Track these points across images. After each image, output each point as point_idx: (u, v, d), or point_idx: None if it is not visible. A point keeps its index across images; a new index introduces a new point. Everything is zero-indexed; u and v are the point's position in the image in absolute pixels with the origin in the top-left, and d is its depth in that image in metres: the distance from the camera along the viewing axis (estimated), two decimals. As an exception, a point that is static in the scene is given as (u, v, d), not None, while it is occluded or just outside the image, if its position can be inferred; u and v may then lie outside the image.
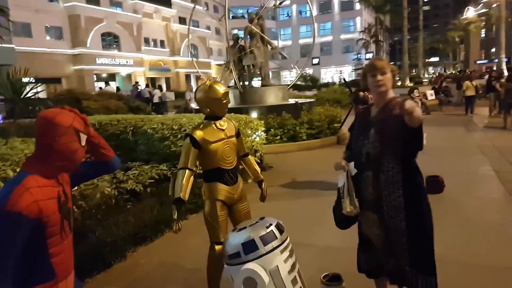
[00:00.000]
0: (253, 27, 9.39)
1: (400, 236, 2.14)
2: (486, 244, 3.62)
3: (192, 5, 43.02)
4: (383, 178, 2.11)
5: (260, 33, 9.50)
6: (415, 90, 14.48)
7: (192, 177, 2.49)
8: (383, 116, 2.12)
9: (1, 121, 15.92)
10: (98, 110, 8.68)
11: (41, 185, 1.40)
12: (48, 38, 27.87)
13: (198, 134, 2.53)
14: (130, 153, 6.36)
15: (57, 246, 1.46)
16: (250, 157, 2.90)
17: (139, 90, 17.68)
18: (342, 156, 2.42)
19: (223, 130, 2.63)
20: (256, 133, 6.23)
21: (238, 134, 2.77)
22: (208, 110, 2.65)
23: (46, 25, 27.54)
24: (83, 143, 1.51)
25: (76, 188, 4.11)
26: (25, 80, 25.76)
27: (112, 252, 3.53)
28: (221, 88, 2.59)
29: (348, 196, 2.22)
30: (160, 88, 17.81)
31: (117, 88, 22.94)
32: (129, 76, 34.48)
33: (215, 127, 2.59)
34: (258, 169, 2.88)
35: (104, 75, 32.60)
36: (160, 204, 4.66)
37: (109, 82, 22.79)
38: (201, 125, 2.61)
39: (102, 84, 31.07)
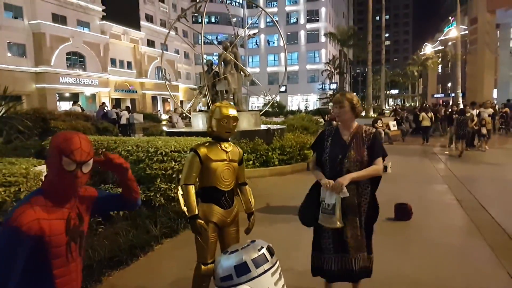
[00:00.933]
0: (227, 54, 9.64)
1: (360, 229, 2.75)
2: (452, 267, 3.84)
3: (162, 29, 43.51)
4: (360, 189, 2.69)
5: (234, 60, 9.75)
6: (379, 121, 15.39)
7: None
8: (357, 143, 2.69)
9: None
10: (66, 130, 8.42)
11: (49, 205, 1.41)
12: (9, 54, 26.84)
13: (202, 150, 2.62)
14: (101, 175, 6.20)
15: (62, 268, 1.45)
16: (247, 187, 2.94)
17: (105, 111, 17.30)
18: (316, 173, 2.78)
19: (226, 152, 2.70)
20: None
21: (241, 162, 2.83)
22: (211, 130, 2.73)
23: (9, 41, 26.57)
24: (71, 168, 1.43)
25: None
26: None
27: (88, 276, 3.40)
28: (227, 110, 2.67)
29: (339, 213, 2.55)
30: (128, 109, 17.54)
31: (81, 108, 22.28)
32: (93, 96, 33.69)
33: (219, 148, 2.68)
34: (253, 201, 2.92)
35: (67, 94, 31.63)
36: (135, 228, 4.57)
37: (77, 102, 22.10)
38: (207, 144, 2.71)
39: (65, 104, 30.12)
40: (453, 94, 48.61)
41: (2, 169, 3.02)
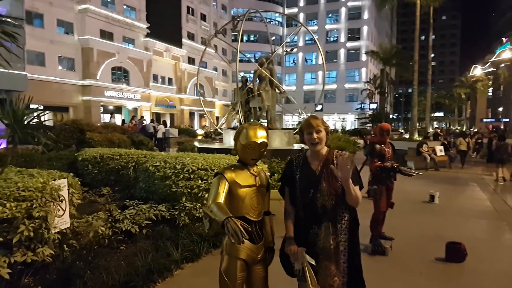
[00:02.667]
0: (262, 70, 9.45)
1: (342, 273, 2.31)
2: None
3: (203, 47, 44.58)
4: (339, 227, 2.30)
5: (270, 76, 9.54)
6: (424, 145, 14.50)
7: None
8: (329, 172, 2.30)
9: (5, 146, 15.74)
10: (102, 143, 8.51)
11: None
12: (60, 68, 28.44)
13: (229, 175, 2.31)
14: (129, 190, 6.10)
15: None
16: (271, 217, 2.58)
17: (144, 124, 17.66)
18: (286, 223, 2.43)
19: (255, 176, 2.41)
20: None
21: (268, 187, 2.51)
22: (236, 153, 2.46)
23: (60, 55, 28.20)
24: None
25: (69, 224, 3.83)
26: (33, 106, 25.91)
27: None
28: (255, 135, 2.36)
29: (309, 279, 2.19)
30: (164, 123, 17.81)
31: (123, 121, 23.00)
32: (135, 110, 34.82)
33: (247, 172, 2.39)
34: (274, 233, 2.58)
35: (111, 107, 32.92)
36: (156, 249, 4.33)
37: (115, 115, 22.86)
38: (233, 167, 2.40)
39: (108, 116, 31.33)
40: (505, 119, 45.67)
41: (18, 182, 2.90)
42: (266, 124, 10.84)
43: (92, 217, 4.38)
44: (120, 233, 4.53)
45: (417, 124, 22.69)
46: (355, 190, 2.25)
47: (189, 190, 5.11)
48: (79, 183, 4.26)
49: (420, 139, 17.99)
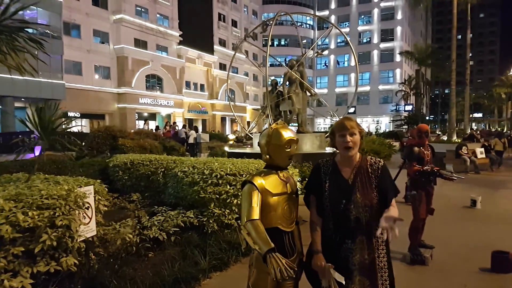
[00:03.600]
0: (292, 73, 9.25)
1: None
2: None
3: (233, 52, 44.96)
4: (375, 241, 2.11)
5: (300, 79, 9.33)
6: (464, 147, 13.71)
7: None
8: (363, 181, 2.11)
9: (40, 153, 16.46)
10: (134, 149, 8.62)
11: None
12: (96, 76, 29.55)
13: (259, 182, 2.13)
14: (158, 196, 6.08)
15: None
16: (298, 227, 2.38)
17: (176, 130, 17.91)
18: (312, 234, 2.23)
19: (286, 182, 2.23)
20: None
21: (297, 194, 2.33)
22: (268, 157, 2.28)
23: (96, 64, 29.31)
24: None
25: (95, 232, 3.80)
26: (71, 114, 26.96)
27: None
28: (286, 133, 2.22)
29: None
30: (195, 129, 17.99)
31: (157, 127, 23.47)
32: (168, 116, 35.56)
33: (278, 178, 2.22)
34: (300, 244, 2.37)
35: (146, 114, 33.80)
36: (183, 258, 4.23)
37: (148, 121, 23.41)
38: (262, 173, 2.23)
39: (143, 122, 32.20)
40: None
41: (42, 189, 2.87)
42: (296, 128, 10.63)
43: (119, 224, 4.34)
44: (148, 241, 4.47)
45: (456, 126, 21.60)
46: (394, 211, 2.05)
47: (218, 196, 4.99)
48: (106, 189, 4.23)
49: (459, 141, 17.08)
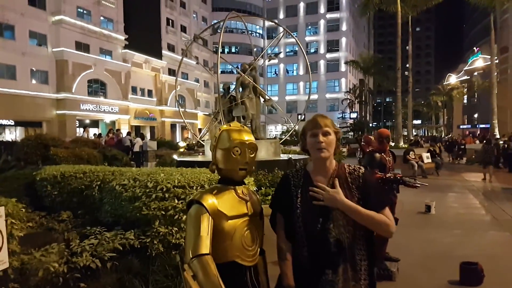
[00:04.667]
0: (246, 77, 8.81)
1: None
2: None
3: (184, 58, 43.78)
4: (359, 269, 1.66)
5: (253, 83, 8.91)
6: (411, 152, 14.12)
7: None
8: (343, 192, 1.66)
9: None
10: (68, 159, 7.62)
11: None
12: (32, 81, 27.15)
13: (210, 202, 1.61)
14: (94, 214, 5.27)
15: None
16: (265, 258, 1.89)
17: (120, 137, 16.73)
18: (281, 263, 1.75)
19: (246, 201, 1.73)
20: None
21: (261, 214, 1.83)
22: (215, 167, 1.76)
23: (32, 68, 26.94)
24: None
25: (7, 264, 3.03)
26: (3, 122, 24.61)
27: None
28: (240, 134, 1.73)
29: None
30: (141, 136, 16.86)
31: (99, 134, 21.89)
32: (113, 123, 33.61)
33: (235, 195, 1.71)
34: (266, 280, 1.87)
35: (88, 121, 31.66)
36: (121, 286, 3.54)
37: (88, 128, 21.81)
38: (215, 190, 1.70)
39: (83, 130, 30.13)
40: (481, 125, 46.72)
41: None
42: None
43: (43, 250, 3.56)
44: (78, 269, 3.72)
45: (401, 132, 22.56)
46: (376, 217, 1.63)
47: (163, 212, 4.33)
48: (23, 210, 3.45)
49: (406, 146, 17.71)
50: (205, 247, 1.50)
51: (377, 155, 4.55)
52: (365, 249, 1.69)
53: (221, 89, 9.73)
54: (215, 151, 1.77)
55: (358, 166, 1.83)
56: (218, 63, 9.29)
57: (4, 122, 26.00)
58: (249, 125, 9.47)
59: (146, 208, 4.31)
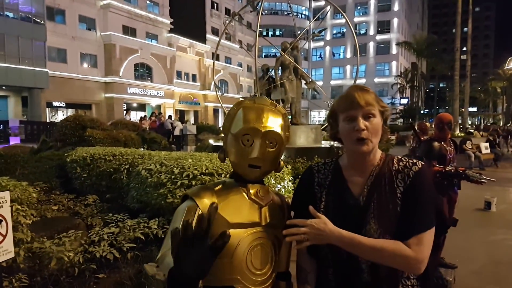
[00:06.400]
0: (286, 56, 8.20)
1: None
2: None
3: (227, 42, 43.55)
4: None
5: (294, 63, 8.28)
6: (468, 142, 12.86)
7: None
8: (383, 199, 1.18)
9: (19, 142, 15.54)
10: (104, 141, 7.56)
11: None
12: (82, 65, 28.23)
13: (206, 201, 1.16)
14: (122, 199, 5.07)
15: None
16: (288, 283, 1.37)
17: (162, 121, 16.85)
18: (302, 279, 1.29)
19: (259, 206, 1.25)
20: (282, 184, 4.82)
21: (285, 226, 1.32)
22: (223, 157, 1.33)
23: (82, 52, 27.96)
24: None
25: (13, 254, 2.82)
26: (56, 104, 25.88)
27: None
28: (256, 116, 1.23)
29: None
30: (181, 120, 16.83)
31: (143, 117, 22.33)
32: (158, 107, 34.35)
33: (245, 196, 1.25)
34: None
35: (135, 104, 32.57)
36: (138, 284, 3.23)
37: (130, 111, 22.28)
38: (219, 186, 1.27)
39: (133, 114, 30.99)
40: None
41: None
42: (290, 120, 9.62)
43: (56, 239, 3.34)
44: (97, 259, 3.47)
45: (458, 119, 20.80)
46: (417, 241, 1.12)
47: (189, 201, 3.99)
48: (35, 195, 3.20)
49: (462, 135, 16.25)
50: None
51: (436, 144, 3.88)
52: (416, 277, 1.21)
53: (259, 70, 9.21)
54: (227, 135, 1.30)
55: (413, 161, 1.26)
56: (257, 36, 8.68)
57: (57, 104, 27.35)
58: (289, 110, 8.93)
59: (172, 195, 3.98)
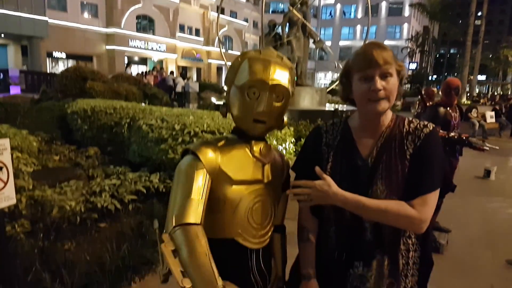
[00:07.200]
0: (294, 11, 7.86)
1: None
2: None
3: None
4: (403, 263, 1.21)
5: (303, 20, 7.96)
6: (474, 110, 12.72)
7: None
8: (392, 160, 1.17)
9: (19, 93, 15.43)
10: (105, 94, 7.47)
11: None
12: (82, 14, 27.39)
13: (210, 157, 1.15)
14: (123, 152, 5.09)
15: None
16: (283, 236, 1.42)
17: (164, 76, 16.58)
18: (303, 237, 1.31)
19: (262, 163, 1.24)
20: (284, 145, 4.82)
21: (286, 183, 1.35)
22: (226, 111, 1.30)
23: (82, 0, 27.03)
24: None
25: (14, 201, 2.86)
26: (56, 55, 25.37)
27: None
28: (263, 67, 1.17)
29: None
30: (182, 76, 16.42)
31: (144, 72, 21.99)
32: (160, 62, 33.74)
33: (248, 153, 1.23)
34: (282, 266, 1.41)
35: (136, 58, 31.99)
36: (139, 235, 3.31)
37: (131, 64, 21.88)
38: (222, 141, 1.24)
39: (134, 68, 30.51)
40: None
41: None
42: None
43: (58, 188, 3.38)
44: (96, 210, 3.53)
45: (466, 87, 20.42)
46: (421, 201, 1.12)
47: (190, 158, 4.00)
48: (35, 144, 3.20)
49: (469, 103, 16.05)
50: (195, 214, 1.06)
51: (442, 109, 3.81)
52: (416, 235, 1.22)
53: (265, 26, 8.88)
54: (230, 87, 1.26)
55: (424, 123, 1.24)
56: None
57: (57, 54, 26.84)
58: (295, 69, 8.75)
59: (173, 151, 4.00)
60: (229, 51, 25.37)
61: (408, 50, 45.77)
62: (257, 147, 1.24)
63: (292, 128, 5.57)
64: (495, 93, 49.29)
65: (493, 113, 13.24)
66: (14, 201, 2.82)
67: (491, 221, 4.74)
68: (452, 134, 3.82)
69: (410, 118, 1.27)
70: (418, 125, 1.21)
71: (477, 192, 6.13)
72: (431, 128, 1.20)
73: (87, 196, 3.52)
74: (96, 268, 2.73)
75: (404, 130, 1.21)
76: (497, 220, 4.79)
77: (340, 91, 1.31)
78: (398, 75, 1.17)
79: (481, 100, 14.86)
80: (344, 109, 8.46)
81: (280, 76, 1.19)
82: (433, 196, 1.14)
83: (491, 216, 4.95)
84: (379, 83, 1.11)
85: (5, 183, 2.70)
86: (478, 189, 6.36)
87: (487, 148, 3.85)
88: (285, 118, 1.29)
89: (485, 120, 12.62)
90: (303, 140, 6.56)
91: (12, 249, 2.81)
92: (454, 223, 4.26)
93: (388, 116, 1.22)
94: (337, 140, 1.26)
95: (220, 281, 0.95)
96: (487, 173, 7.07)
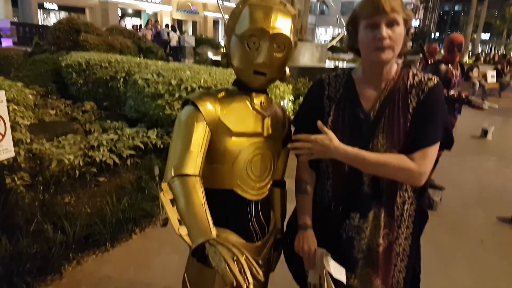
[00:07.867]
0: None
1: None
2: None
3: None
4: (397, 215, 1.24)
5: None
6: (475, 69, 12.52)
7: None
8: (395, 114, 1.15)
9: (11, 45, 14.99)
10: (99, 47, 7.26)
11: None
12: (73, -38, 25.98)
13: (210, 108, 1.13)
14: (120, 107, 5.04)
15: None
16: (284, 192, 1.44)
17: (158, 29, 16.02)
18: (299, 203, 1.33)
19: (262, 116, 1.22)
20: (282, 103, 4.77)
21: (287, 138, 1.32)
22: (226, 61, 1.25)
23: None
24: None
25: (13, 153, 2.86)
26: (47, 6, 24.36)
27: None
28: (264, 15, 1.11)
29: None
30: (174, 29, 15.75)
31: (139, 26, 21.24)
32: (155, 15, 32.52)
33: (248, 105, 1.21)
34: (281, 218, 1.45)
35: (130, 10, 30.78)
36: (138, 190, 3.35)
37: (125, 16, 21.07)
38: (222, 92, 1.21)
39: (128, 20, 29.42)
40: None
41: None
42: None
43: (56, 141, 3.37)
44: (98, 163, 3.55)
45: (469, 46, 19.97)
46: (422, 155, 1.12)
47: (187, 113, 3.96)
48: (31, 96, 3.15)
49: (471, 62, 15.78)
50: (194, 166, 1.06)
51: (443, 67, 3.74)
52: (413, 189, 1.24)
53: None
54: (230, 36, 1.21)
55: (429, 76, 1.20)
56: None
57: (48, 5, 25.77)
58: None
59: (170, 107, 3.95)
60: (226, 3, 24.28)
61: (412, 6, 44.27)
62: (258, 100, 1.22)
63: (290, 86, 5.48)
64: (496, 53, 48.45)
65: (494, 73, 13.05)
66: (12, 154, 2.82)
67: (484, 179, 4.82)
68: (452, 92, 3.80)
69: (415, 71, 1.23)
70: (423, 78, 1.18)
71: (473, 151, 6.19)
72: (435, 81, 1.18)
73: (85, 150, 3.53)
74: (97, 220, 2.79)
75: (409, 83, 1.18)
76: (490, 179, 4.88)
77: (347, 40, 1.27)
78: (405, 24, 1.12)
79: (479, 62, 14.58)
80: (345, 67, 8.30)
81: (282, 24, 1.13)
82: (433, 149, 1.14)
83: (485, 175, 5.04)
84: (385, 31, 1.07)
85: (3, 136, 2.69)
86: (474, 148, 6.42)
87: (486, 107, 3.85)
88: (287, 70, 1.25)
89: (486, 80, 12.48)
90: (301, 99, 6.50)
91: (13, 201, 2.85)
92: (448, 181, 4.33)
93: (393, 68, 1.19)
94: (340, 92, 1.24)
95: (214, 231, 0.96)
96: (484, 132, 7.10)
